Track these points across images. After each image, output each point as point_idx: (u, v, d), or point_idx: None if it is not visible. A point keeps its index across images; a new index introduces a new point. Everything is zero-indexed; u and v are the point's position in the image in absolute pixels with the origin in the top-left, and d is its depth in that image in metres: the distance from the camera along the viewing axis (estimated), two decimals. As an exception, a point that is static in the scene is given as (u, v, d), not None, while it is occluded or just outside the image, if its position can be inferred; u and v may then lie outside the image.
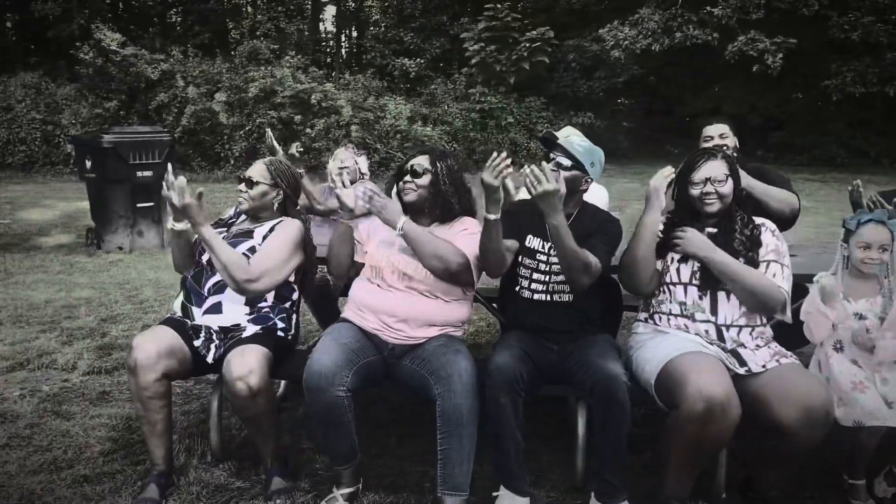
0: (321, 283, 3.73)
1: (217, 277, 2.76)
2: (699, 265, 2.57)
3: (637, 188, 12.62)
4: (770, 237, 2.61)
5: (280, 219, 2.93)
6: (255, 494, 2.68)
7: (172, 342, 2.66)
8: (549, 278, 2.71)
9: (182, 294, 2.87)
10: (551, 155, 2.73)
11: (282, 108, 15.01)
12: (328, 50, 23.56)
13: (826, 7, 14.45)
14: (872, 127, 17.73)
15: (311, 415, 2.53)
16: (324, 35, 23.54)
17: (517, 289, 2.78)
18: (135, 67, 15.07)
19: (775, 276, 2.51)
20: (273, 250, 2.75)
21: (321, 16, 23.35)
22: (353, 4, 22.13)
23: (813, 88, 16.58)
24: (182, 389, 3.67)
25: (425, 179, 2.74)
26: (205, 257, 2.80)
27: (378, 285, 2.71)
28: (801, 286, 2.78)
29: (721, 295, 2.55)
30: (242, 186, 2.92)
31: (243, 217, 3.01)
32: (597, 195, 3.48)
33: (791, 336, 2.78)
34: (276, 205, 2.95)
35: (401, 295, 2.67)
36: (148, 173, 7.67)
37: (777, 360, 2.47)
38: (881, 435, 2.50)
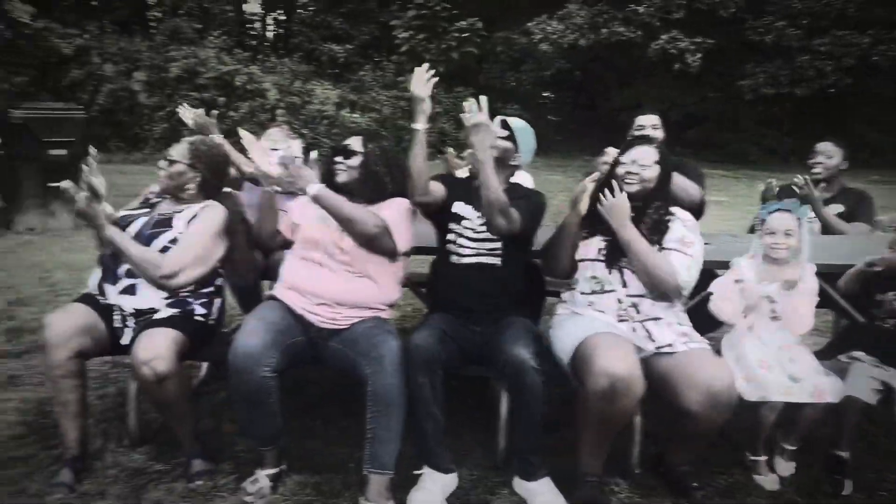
0: (246, 270, 3.60)
1: None
2: (605, 241, 2.68)
3: (560, 180, 12.88)
4: (680, 227, 2.68)
5: (204, 203, 2.82)
6: (176, 477, 2.64)
7: (87, 319, 2.58)
8: (477, 244, 2.78)
9: (100, 270, 2.77)
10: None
11: (204, 90, 14.61)
12: (253, 32, 22.99)
13: (742, 10, 15.11)
14: (782, 126, 18.63)
15: (236, 396, 2.48)
16: (249, 16, 22.95)
17: (448, 258, 2.83)
18: (46, 42, 14.32)
19: (673, 263, 2.58)
20: (193, 244, 2.68)
21: (246, -4, 22.74)
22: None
23: (728, 88, 17.27)
24: (98, 373, 3.54)
25: (355, 160, 2.77)
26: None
27: (312, 260, 2.68)
28: (712, 273, 2.90)
29: (627, 271, 2.64)
30: (162, 163, 2.83)
31: (166, 196, 2.90)
32: (523, 181, 3.53)
33: (704, 321, 2.90)
34: (194, 187, 2.83)
35: (332, 275, 2.65)
36: (61, 151, 7.34)
37: (686, 344, 2.57)
38: (780, 410, 2.68)
